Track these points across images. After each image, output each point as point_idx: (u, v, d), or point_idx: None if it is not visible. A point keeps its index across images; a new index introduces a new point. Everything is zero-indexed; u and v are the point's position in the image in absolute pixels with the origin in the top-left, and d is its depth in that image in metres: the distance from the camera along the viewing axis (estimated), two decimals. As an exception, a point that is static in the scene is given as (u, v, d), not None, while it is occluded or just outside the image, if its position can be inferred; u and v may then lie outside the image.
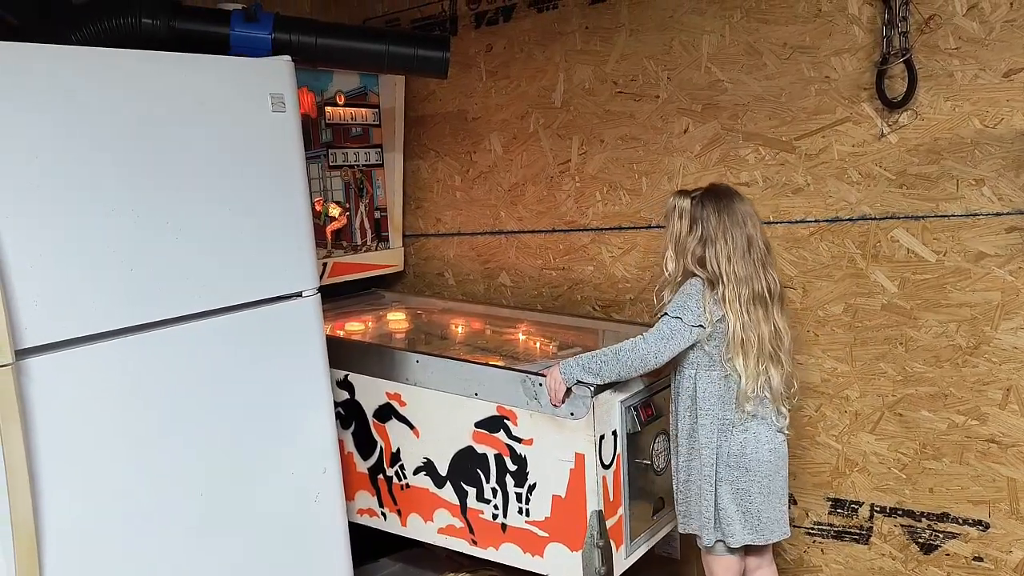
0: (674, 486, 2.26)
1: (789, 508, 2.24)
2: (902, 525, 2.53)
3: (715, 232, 2.09)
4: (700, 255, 2.11)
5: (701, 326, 2.08)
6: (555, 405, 2.10)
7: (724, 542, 2.16)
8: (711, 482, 2.12)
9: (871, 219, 2.45)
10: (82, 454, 1.72)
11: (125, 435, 1.79)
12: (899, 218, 2.41)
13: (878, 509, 2.56)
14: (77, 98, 1.69)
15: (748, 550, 2.23)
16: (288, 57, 2.14)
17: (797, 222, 2.55)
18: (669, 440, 2.30)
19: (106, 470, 1.76)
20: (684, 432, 2.18)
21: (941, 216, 2.35)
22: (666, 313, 2.11)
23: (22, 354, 1.60)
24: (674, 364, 2.19)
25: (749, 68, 2.59)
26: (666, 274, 2.20)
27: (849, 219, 2.49)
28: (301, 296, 2.17)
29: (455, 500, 2.38)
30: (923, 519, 2.49)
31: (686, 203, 2.15)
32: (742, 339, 2.07)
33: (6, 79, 1.58)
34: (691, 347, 2.12)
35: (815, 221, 2.54)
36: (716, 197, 2.13)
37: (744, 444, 2.11)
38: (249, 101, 2.03)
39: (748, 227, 2.10)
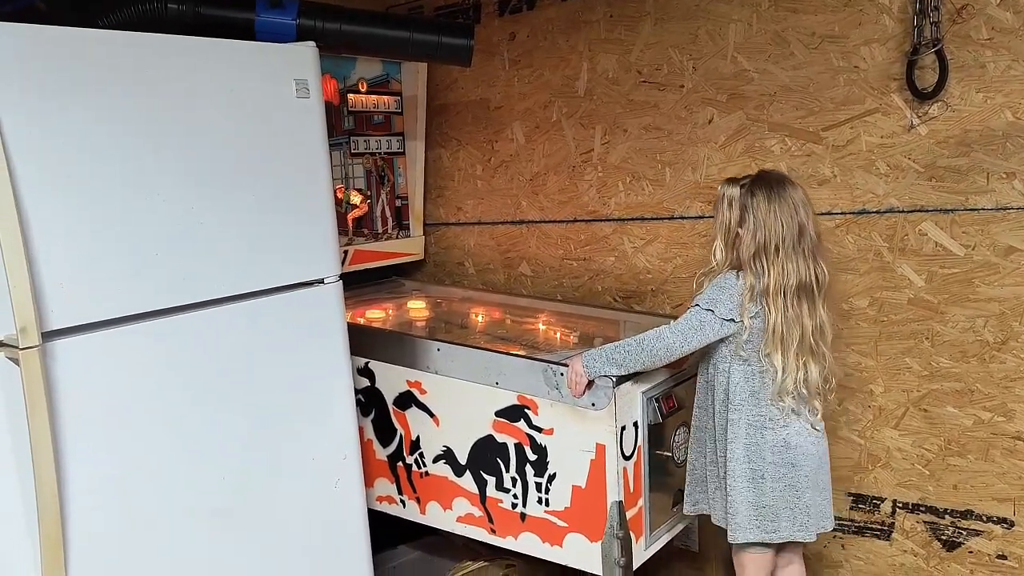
0: (689, 478, 2.24)
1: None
2: (925, 522, 2.50)
3: (765, 220, 2.02)
4: (750, 246, 2.04)
5: (733, 320, 2.04)
6: (576, 396, 2.09)
7: (763, 541, 2.12)
8: (747, 479, 2.08)
9: (899, 212, 2.42)
10: (106, 437, 1.73)
11: (148, 419, 1.81)
12: (927, 211, 2.38)
13: (901, 505, 2.54)
14: (103, 82, 1.70)
15: (783, 545, 2.20)
16: (313, 43, 2.14)
17: (823, 214, 2.51)
18: (690, 433, 2.28)
19: (129, 453, 1.77)
20: (718, 428, 2.14)
21: (970, 209, 2.32)
22: (697, 304, 2.07)
23: (48, 336, 1.61)
24: (706, 357, 2.17)
25: (776, 57, 2.56)
26: (714, 263, 2.15)
27: (876, 212, 2.45)
28: (323, 283, 2.18)
29: (474, 489, 2.38)
30: (946, 516, 2.46)
31: (735, 191, 2.09)
32: (782, 334, 2.02)
33: (34, 63, 1.59)
34: (723, 341, 2.08)
35: (841, 213, 2.51)
36: (767, 184, 2.06)
37: (787, 439, 2.07)
38: (274, 87, 2.03)
39: (800, 215, 2.03)
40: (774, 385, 2.06)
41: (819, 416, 2.13)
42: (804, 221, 2.05)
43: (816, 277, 2.06)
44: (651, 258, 2.93)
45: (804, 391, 2.08)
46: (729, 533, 2.14)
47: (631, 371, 2.08)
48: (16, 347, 1.54)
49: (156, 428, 1.82)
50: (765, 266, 2.02)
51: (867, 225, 2.47)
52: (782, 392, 2.06)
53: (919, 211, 2.39)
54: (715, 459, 2.17)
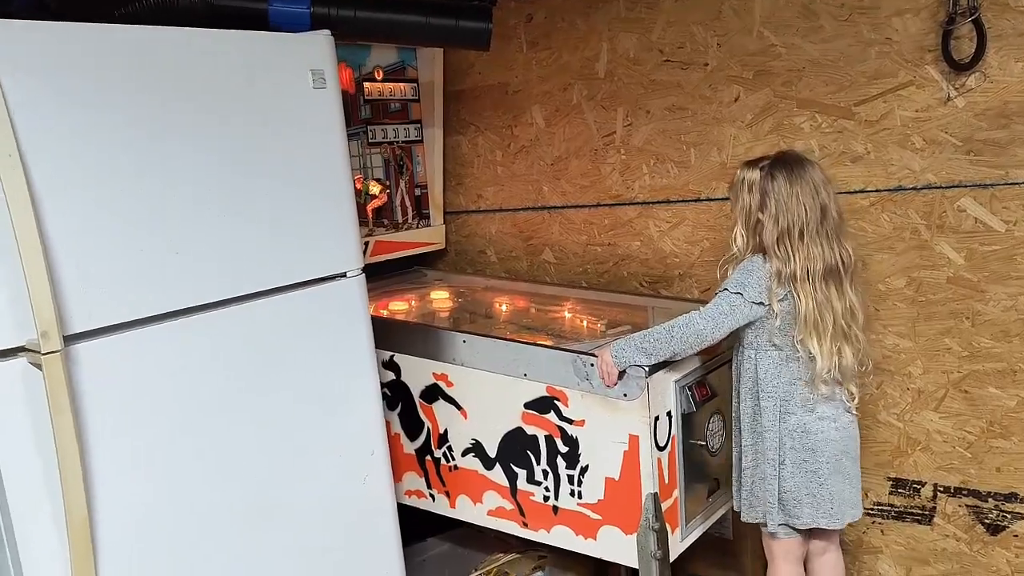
0: (734, 471, 2.20)
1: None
2: (967, 505, 2.44)
3: (787, 204, 1.97)
4: (773, 231, 1.99)
5: (762, 303, 2.00)
6: (608, 387, 2.04)
7: (788, 524, 2.09)
8: (775, 465, 2.06)
9: (936, 188, 2.34)
10: (131, 438, 1.70)
11: (173, 419, 1.78)
12: (966, 186, 2.30)
13: (942, 489, 2.47)
14: (117, 79, 1.66)
15: (813, 533, 2.16)
16: (328, 32, 2.09)
17: (856, 192, 2.44)
18: (726, 421, 2.24)
19: (156, 454, 1.75)
20: (747, 415, 2.11)
21: (1011, 184, 2.23)
22: (725, 288, 2.02)
23: (70, 340, 1.58)
24: (736, 344, 2.12)
25: (804, 31, 2.48)
26: (735, 249, 2.11)
27: (912, 188, 2.38)
28: (345, 276, 2.14)
29: (504, 482, 2.35)
30: (990, 499, 2.40)
31: (755, 175, 2.04)
32: (816, 320, 1.97)
33: (47, 61, 1.55)
34: (750, 326, 2.04)
35: (876, 191, 2.43)
36: (787, 166, 2.01)
37: (808, 425, 2.03)
38: (290, 78, 1.98)
39: (821, 196, 1.98)
40: (809, 372, 2.02)
41: (855, 401, 2.09)
42: (826, 201, 2.00)
43: (841, 259, 2.01)
44: (677, 242, 2.87)
45: (838, 376, 2.03)
46: (762, 522, 2.12)
47: (661, 360, 2.03)
48: (38, 352, 1.51)
49: (182, 427, 1.79)
50: (790, 252, 1.98)
51: (903, 202, 2.39)
52: (817, 378, 2.01)
53: (957, 186, 2.31)
54: (741, 445, 2.14)
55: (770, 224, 2.01)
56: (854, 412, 2.10)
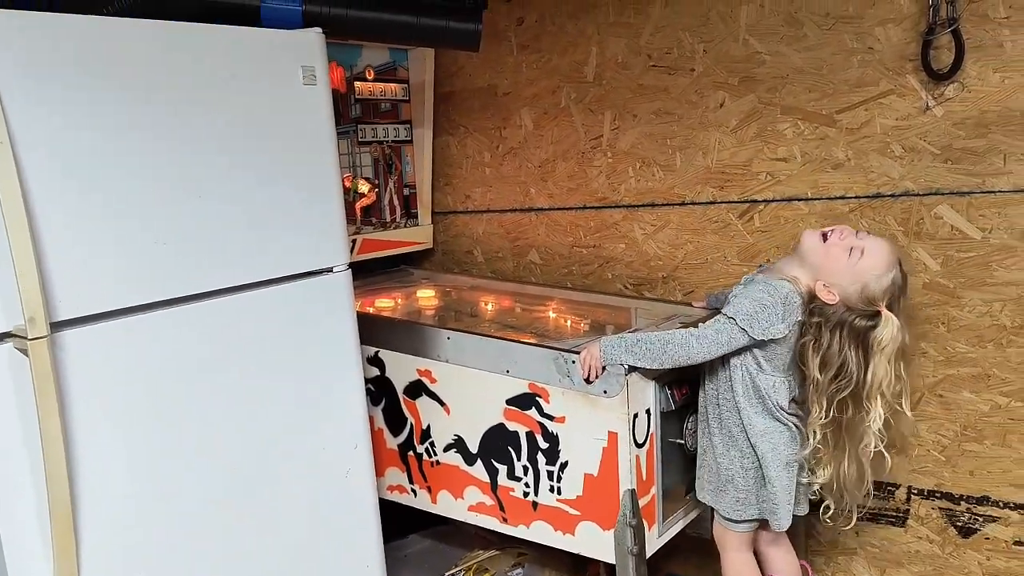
0: (704, 469, 2.23)
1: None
2: (940, 508, 2.48)
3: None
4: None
5: (763, 340, 2.01)
6: (588, 381, 2.07)
7: (759, 518, 2.17)
8: (757, 471, 2.12)
9: (914, 195, 2.38)
10: (115, 427, 1.72)
11: (157, 409, 1.79)
12: (943, 194, 2.34)
13: (916, 492, 2.51)
14: (108, 70, 1.67)
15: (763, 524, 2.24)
16: (319, 29, 2.11)
17: (836, 198, 2.48)
18: (697, 420, 2.27)
19: (138, 442, 1.76)
20: (727, 421, 2.14)
21: (987, 192, 2.28)
22: (733, 319, 2.00)
23: (57, 327, 1.60)
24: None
25: (789, 39, 2.52)
26: (784, 270, 2.12)
27: (891, 195, 2.42)
28: (332, 272, 2.16)
29: (486, 478, 2.37)
30: (962, 502, 2.44)
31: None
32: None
33: (37, 51, 1.57)
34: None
35: (855, 197, 2.47)
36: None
37: (783, 432, 2.10)
38: (280, 74, 2.00)
39: None
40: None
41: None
42: None
43: None
44: (662, 244, 2.91)
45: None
46: (727, 517, 2.20)
47: (647, 367, 2.05)
48: (25, 337, 1.53)
49: (165, 419, 1.81)
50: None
51: (881, 209, 2.44)
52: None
53: (935, 194, 2.35)
54: (714, 445, 2.18)
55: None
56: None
